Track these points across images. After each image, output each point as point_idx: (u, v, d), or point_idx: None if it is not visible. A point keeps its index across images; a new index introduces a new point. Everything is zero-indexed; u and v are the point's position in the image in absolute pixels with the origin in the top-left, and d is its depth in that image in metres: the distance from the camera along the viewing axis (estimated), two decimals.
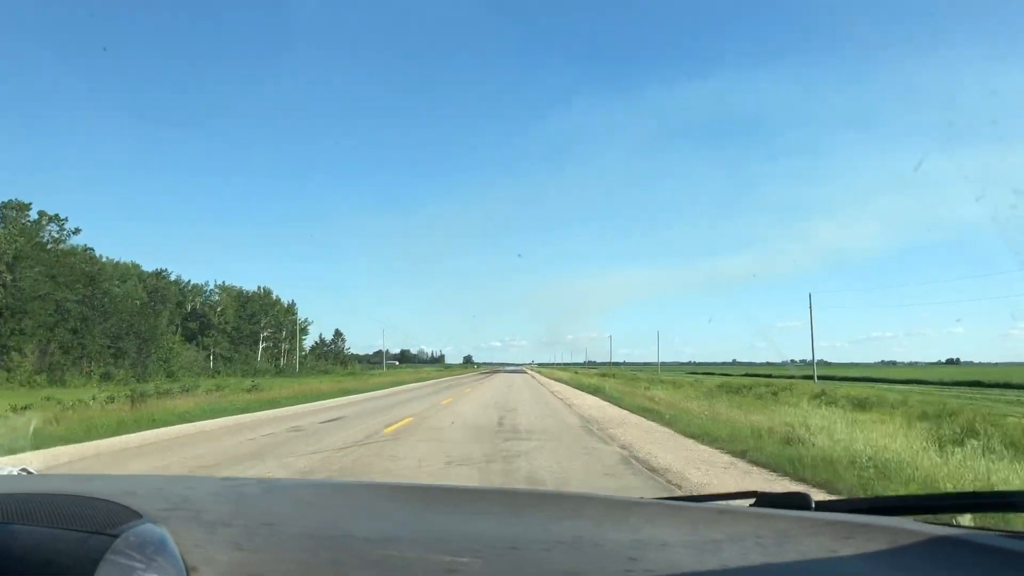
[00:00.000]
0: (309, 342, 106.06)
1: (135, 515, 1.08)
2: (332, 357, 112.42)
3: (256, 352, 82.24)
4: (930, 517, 1.41)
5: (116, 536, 0.95)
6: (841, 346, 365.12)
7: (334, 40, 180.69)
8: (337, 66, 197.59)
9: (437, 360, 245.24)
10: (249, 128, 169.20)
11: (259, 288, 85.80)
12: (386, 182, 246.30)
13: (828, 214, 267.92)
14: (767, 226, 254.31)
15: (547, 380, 57.00)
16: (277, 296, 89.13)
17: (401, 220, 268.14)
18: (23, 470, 1.98)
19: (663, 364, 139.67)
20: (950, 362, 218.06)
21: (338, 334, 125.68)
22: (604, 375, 75.95)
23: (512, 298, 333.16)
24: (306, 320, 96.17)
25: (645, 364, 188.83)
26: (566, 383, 47.14)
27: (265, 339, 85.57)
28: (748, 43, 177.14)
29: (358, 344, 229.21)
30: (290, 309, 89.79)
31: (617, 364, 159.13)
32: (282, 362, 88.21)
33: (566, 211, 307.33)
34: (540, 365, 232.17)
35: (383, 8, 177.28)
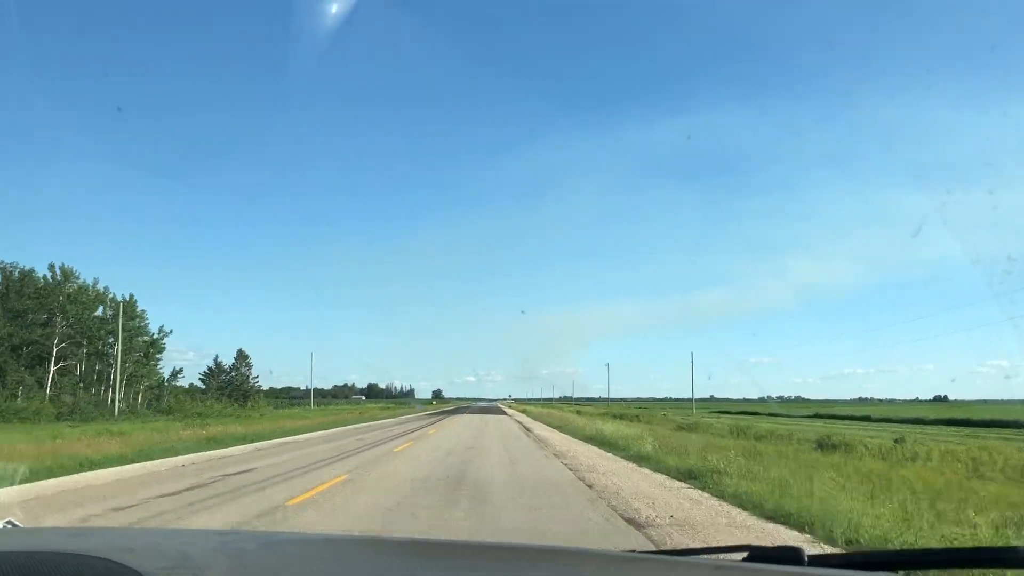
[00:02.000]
0: (183, 365, 73.96)
1: (136, 575, 1.10)
2: (218, 390, 79.03)
3: (43, 376, 49.22)
4: (923, 573, 1.39)
5: None
6: (813, 382, 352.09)
7: (321, 91, 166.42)
8: (321, 113, 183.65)
9: (407, 395, 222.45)
10: (237, 173, 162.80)
11: (52, 269, 52.81)
12: (361, 218, 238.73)
13: (803, 250, 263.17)
14: (743, 262, 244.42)
15: (568, 442, 24.33)
16: (95, 284, 56.15)
17: (376, 256, 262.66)
18: (8, 522, 1.86)
19: (639, 400, 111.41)
20: (937, 399, 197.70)
21: (241, 357, 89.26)
22: (621, 417, 47.04)
23: (487, 333, 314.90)
24: (160, 332, 63.49)
25: (622, 400, 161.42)
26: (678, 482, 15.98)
27: (68, 354, 52.46)
28: (724, 80, 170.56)
29: (334, 377, 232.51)
30: (127, 310, 56.41)
31: (593, 400, 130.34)
32: (109, 397, 55.31)
33: (543, 246, 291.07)
34: (517, 401, 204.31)
35: (352, 48, 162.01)
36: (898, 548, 4.66)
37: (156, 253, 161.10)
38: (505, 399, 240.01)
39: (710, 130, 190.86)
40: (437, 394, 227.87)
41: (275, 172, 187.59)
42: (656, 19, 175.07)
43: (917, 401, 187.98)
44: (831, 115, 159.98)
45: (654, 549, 2.57)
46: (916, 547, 4.74)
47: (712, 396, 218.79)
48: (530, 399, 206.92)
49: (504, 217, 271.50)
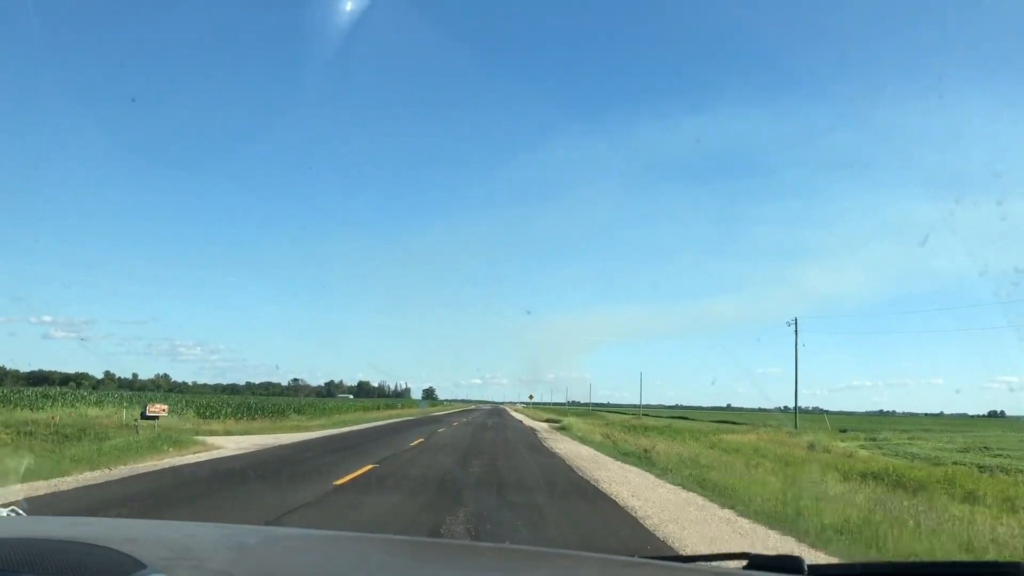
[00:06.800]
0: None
1: (139, 564, 1.08)
2: None
3: None
4: None
5: None
6: (821, 394, 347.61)
7: (331, 90, 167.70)
8: (331, 112, 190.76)
9: (402, 394, 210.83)
10: (244, 168, 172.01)
11: None
12: (369, 217, 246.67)
13: (813, 259, 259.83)
14: (754, 270, 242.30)
15: None
16: None
17: (381, 255, 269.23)
18: (12, 510, 1.86)
19: (646, 407, 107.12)
20: (993, 415, 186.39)
21: None
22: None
23: (493, 336, 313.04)
24: None
25: (633, 406, 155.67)
26: None
27: None
28: (738, 85, 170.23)
29: (337, 374, 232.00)
30: None
31: (601, 405, 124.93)
32: None
33: (550, 249, 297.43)
34: (535, 406, 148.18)
35: (363, 47, 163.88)
36: (894, 561, 4.54)
37: (158, 245, 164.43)
38: (519, 403, 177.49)
39: (723, 135, 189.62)
40: (428, 393, 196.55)
41: (281, 169, 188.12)
42: (670, 22, 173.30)
43: (942, 415, 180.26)
44: (843, 123, 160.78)
45: (654, 555, 2.32)
46: (913, 560, 4.76)
47: (729, 405, 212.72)
48: (541, 403, 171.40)
49: (514, 219, 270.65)
